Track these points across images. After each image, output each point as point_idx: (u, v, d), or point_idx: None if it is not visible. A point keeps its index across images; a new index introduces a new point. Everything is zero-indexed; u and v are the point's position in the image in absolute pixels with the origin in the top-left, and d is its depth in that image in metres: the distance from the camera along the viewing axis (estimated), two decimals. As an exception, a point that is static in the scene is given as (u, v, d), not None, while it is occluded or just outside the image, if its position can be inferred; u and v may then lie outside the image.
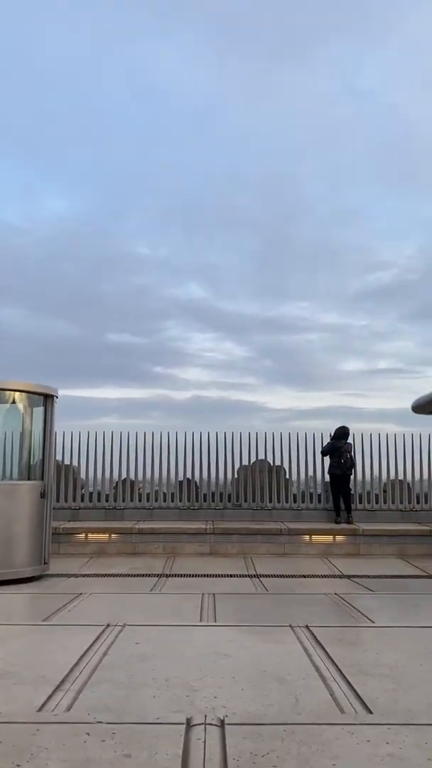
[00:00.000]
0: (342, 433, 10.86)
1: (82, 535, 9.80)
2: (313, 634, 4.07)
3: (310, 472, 11.42)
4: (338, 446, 10.73)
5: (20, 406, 8.00)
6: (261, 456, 11.45)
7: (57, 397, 8.20)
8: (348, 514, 10.54)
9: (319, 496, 11.12)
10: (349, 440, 10.98)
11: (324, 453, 10.97)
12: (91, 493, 11.04)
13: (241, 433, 11.67)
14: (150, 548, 9.76)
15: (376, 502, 11.04)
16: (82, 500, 10.96)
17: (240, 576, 8.17)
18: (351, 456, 10.85)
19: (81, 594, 5.92)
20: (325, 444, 11.06)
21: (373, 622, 5.06)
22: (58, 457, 11.30)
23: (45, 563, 7.77)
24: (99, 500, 10.98)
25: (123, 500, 10.97)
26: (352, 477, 10.91)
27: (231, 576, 8.16)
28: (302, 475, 11.41)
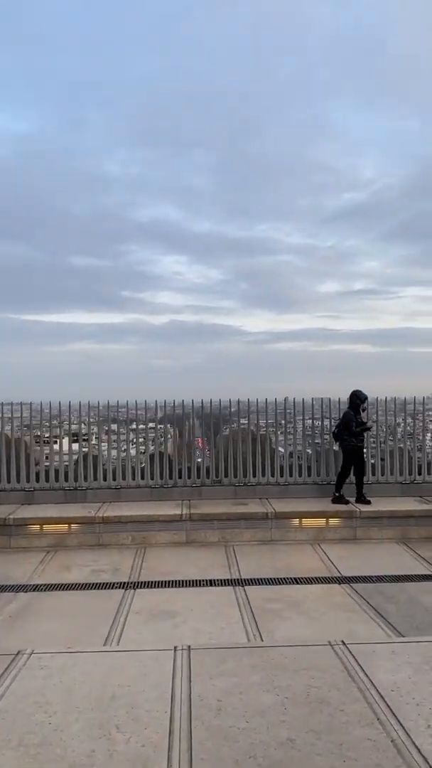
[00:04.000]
0: (361, 401, 9.28)
1: (37, 527, 8.41)
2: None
3: (300, 443, 10.07)
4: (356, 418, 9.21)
5: None
6: (243, 423, 10.04)
7: (-9, 377, 6.58)
8: (360, 490, 9.18)
9: (309, 468, 9.81)
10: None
11: (350, 432, 9.13)
12: (47, 472, 9.56)
13: (221, 400, 10.19)
14: (117, 538, 8.43)
15: (373, 474, 9.78)
16: (37, 480, 9.50)
17: (220, 583, 6.91)
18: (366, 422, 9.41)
19: (18, 654, 4.54)
20: (343, 417, 9.33)
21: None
22: (7, 429, 9.75)
23: (-15, 581, 6.39)
24: (57, 479, 9.53)
25: (85, 479, 9.53)
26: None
27: (211, 583, 6.89)
28: (291, 446, 10.05)
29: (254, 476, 9.71)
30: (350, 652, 4.59)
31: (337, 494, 9.16)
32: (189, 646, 4.73)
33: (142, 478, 9.66)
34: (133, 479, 9.62)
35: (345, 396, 9.72)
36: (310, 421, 10.49)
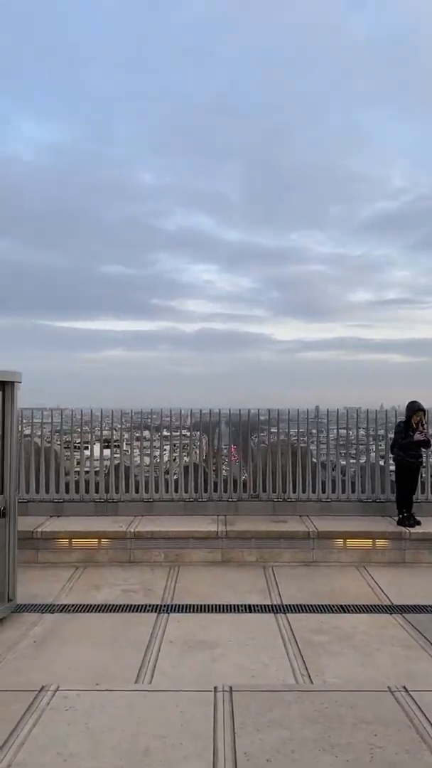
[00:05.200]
0: (412, 411, 8.57)
1: (66, 541, 7.99)
2: None
3: (340, 457, 9.49)
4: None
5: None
6: (282, 435, 9.51)
7: (20, 383, 6.19)
8: (410, 511, 8.51)
9: (353, 484, 9.22)
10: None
11: (399, 446, 8.46)
12: (77, 482, 9.16)
13: (250, 409, 9.69)
14: (149, 555, 7.96)
15: (422, 492, 9.12)
16: (67, 491, 9.10)
17: (260, 609, 6.38)
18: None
19: (42, 691, 4.08)
20: (397, 427, 8.68)
21: None
22: (36, 439, 9.40)
23: (9, 600, 5.97)
24: (87, 491, 9.12)
25: (116, 491, 9.10)
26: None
27: (249, 609, 6.36)
28: (333, 459, 9.48)
29: (294, 491, 9.15)
30: (414, 701, 4.03)
31: (400, 515, 8.46)
32: (231, 687, 4.23)
33: (176, 490, 9.18)
34: (166, 492, 9.16)
35: (375, 406, 9.32)
36: (344, 431, 9.92)
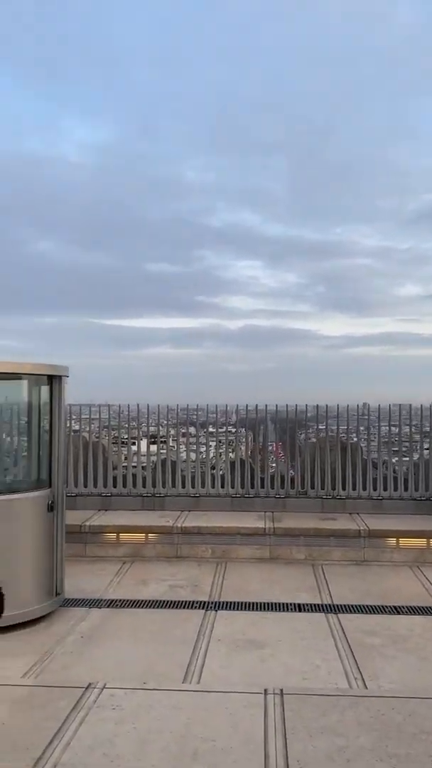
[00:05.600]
0: None
1: (113, 535, 7.99)
2: None
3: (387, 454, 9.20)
4: None
5: (16, 392, 6.03)
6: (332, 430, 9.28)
7: (67, 377, 6.18)
8: None
9: (405, 482, 8.92)
10: None
11: None
12: (124, 477, 9.15)
13: (297, 405, 9.48)
14: (196, 551, 7.88)
15: None
16: (114, 485, 9.11)
17: (310, 608, 6.21)
18: None
19: (89, 688, 4.03)
20: None
21: None
22: (84, 434, 9.44)
23: (57, 594, 5.97)
24: (135, 485, 9.10)
25: (163, 485, 9.05)
26: None
27: (299, 608, 6.20)
28: (384, 457, 9.20)
29: (344, 489, 8.92)
30: None
31: None
32: (282, 690, 4.09)
33: (222, 486, 9.07)
34: (213, 487, 9.06)
35: (426, 402, 9.01)
36: (396, 428, 9.60)
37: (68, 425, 8.54)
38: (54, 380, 6.10)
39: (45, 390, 6.36)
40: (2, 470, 7.02)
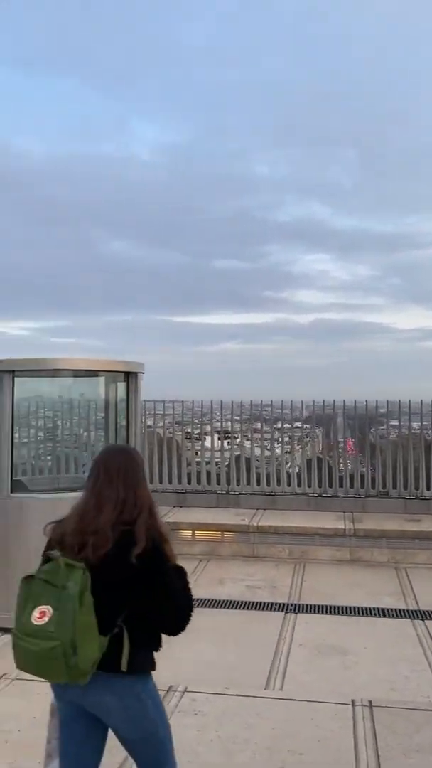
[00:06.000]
0: None
1: (189, 532, 7.93)
2: None
3: None
4: None
5: (93, 389, 6.04)
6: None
7: (143, 373, 6.14)
8: None
9: None
10: None
11: None
12: (198, 473, 9.09)
13: (367, 401, 9.11)
14: (273, 551, 7.70)
15: None
16: (189, 482, 9.05)
17: (395, 613, 5.90)
18: None
19: (170, 691, 3.94)
20: None
21: None
22: (158, 430, 9.44)
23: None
24: (209, 482, 9.02)
25: (238, 483, 8.92)
26: None
27: (383, 614, 5.91)
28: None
29: (428, 489, 8.50)
30: None
31: None
32: (370, 702, 3.86)
33: (299, 485, 8.84)
34: (289, 486, 8.84)
35: None
36: None
37: (143, 421, 8.55)
38: (130, 377, 6.06)
39: (121, 386, 6.35)
40: (80, 467, 7.09)
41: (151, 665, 2.32)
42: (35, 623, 2.07)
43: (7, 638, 5.13)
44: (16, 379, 5.56)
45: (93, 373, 6.32)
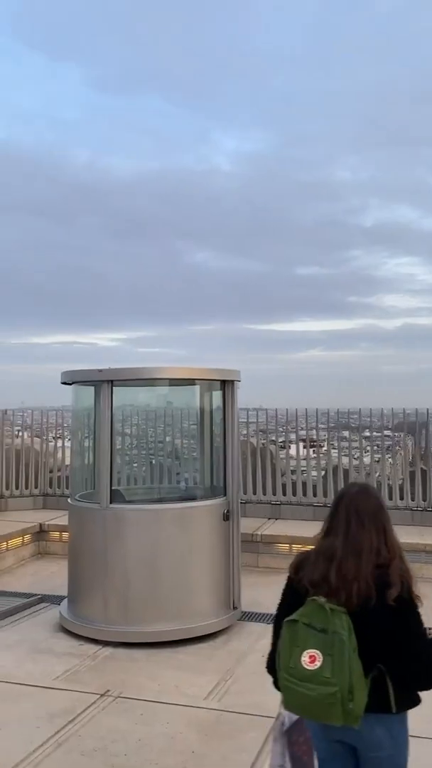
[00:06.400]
0: None
1: (286, 546, 7.65)
2: None
3: None
4: None
5: (188, 398, 5.91)
6: None
7: (239, 381, 5.95)
8: None
9: None
10: None
11: None
12: (293, 485, 8.79)
13: None
14: (375, 567, 7.27)
15: None
16: (284, 493, 8.78)
17: None
18: None
19: (279, 718, 3.69)
20: None
21: None
22: (251, 439, 9.23)
23: (234, 607, 5.73)
24: (305, 494, 8.70)
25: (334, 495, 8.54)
26: None
27: None
28: None
29: None
30: None
31: None
32: None
33: (401, 498, 8.36)
34: (390, 499, 8.37)
35: None
36: None
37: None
38: (226, 385, 5.90)
39: (216, 395, 6.20)
40: (174, 476, 6.99)
41: (416, 700, 2.32)
42: (308, 668, 2.12)
43: (108, 651, 5.11)
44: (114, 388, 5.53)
45: (189, 382, 6.21)
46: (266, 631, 5.60)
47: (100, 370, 5.53)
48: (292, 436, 9.43)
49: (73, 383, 5.97)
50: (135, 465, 8.62)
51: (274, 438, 9.54)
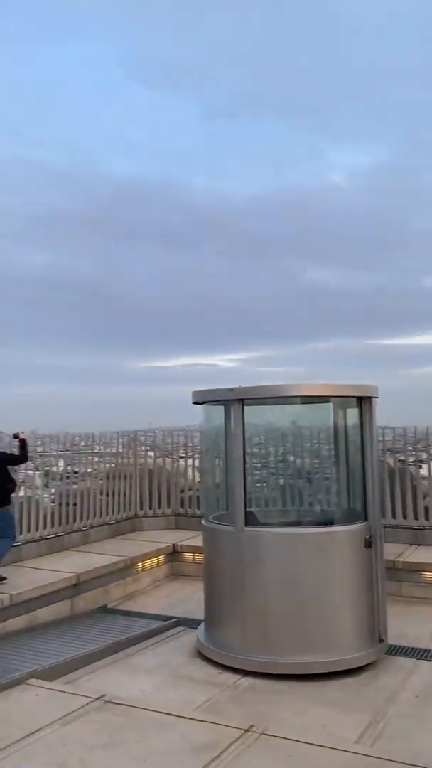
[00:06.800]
0: None
1: (431, 574, 7.07)
2: None
3: None
4: None
5: (321, 416, 5.64)
6: None
7: (377, 398, 5.59)
8: None
9: None
10: None
11: None
12: (436, 508, 8.16)
13: None
14: None
15: None
16: (427, 518, 8.17)
17: None
18: None
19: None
20: None
21: None
22: (388, 459, 8.71)
23: (381, 640, 5.31)
24: (451, 518, 8.04)
25: None
26: None
27: None
28: None
29: None
30: None
31: None
32: None
33: None
34: None
35: None
36: None
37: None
38: (364, 402, 5.56)
39: (351, 413, 5.87)
40: (313, 499, 6.70)
41: None
42: None
43: (248, 682, 4.90)
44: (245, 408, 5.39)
45: (322, 400, 5.94)
46: (417, 667, 5.18)
47: (231, 389, 5.42)
48: (423, 455, 8.81)
49: (203, 403, 5.91)
50: (265, 485, 8.42)
51: (402, 458, 8.94)
